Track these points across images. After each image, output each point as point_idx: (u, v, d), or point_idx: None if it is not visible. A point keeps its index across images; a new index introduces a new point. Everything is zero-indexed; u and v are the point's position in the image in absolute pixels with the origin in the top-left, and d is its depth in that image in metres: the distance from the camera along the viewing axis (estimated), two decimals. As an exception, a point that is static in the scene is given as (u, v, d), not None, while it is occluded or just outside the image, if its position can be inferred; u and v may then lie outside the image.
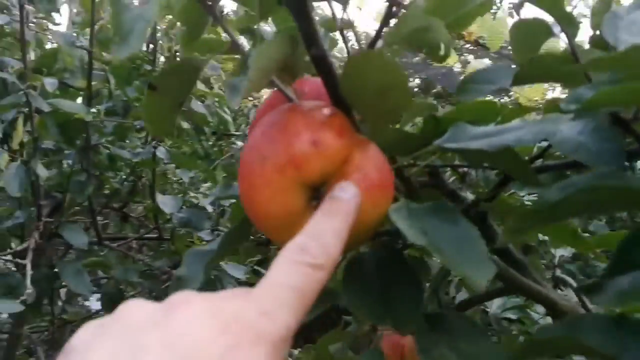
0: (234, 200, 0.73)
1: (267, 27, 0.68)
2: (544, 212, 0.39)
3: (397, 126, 0.61)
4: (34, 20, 1.62)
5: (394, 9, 0.46)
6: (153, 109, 0.59)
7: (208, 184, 1.99)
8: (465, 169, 0.80)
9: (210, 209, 1.42)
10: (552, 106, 0.65)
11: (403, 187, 0.61)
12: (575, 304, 0.66)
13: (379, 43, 0.50)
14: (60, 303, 1.61)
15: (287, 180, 0.43)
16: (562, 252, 1.15)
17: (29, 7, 1.39)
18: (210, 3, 0.54)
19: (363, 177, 0.44)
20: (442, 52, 0.54)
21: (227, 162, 2.25)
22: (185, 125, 1.91)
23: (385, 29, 0.50)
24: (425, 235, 0.44)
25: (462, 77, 0.57)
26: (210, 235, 1.73)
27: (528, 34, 0.61)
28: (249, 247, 0.62)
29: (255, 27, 0.62)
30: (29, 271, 0.96)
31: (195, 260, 0.53)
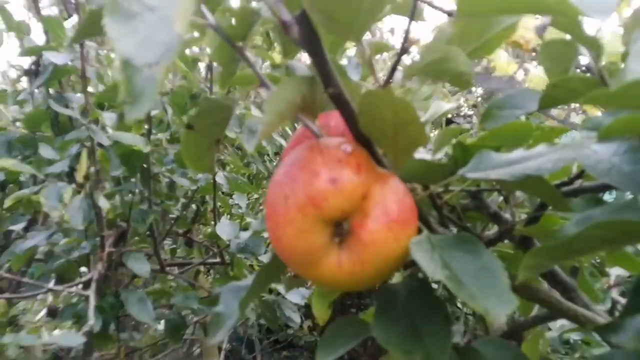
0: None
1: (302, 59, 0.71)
2: (560, 248, 0.40)
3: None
4: (100, 53, 1.73)
5: (406, 44, 0.48)
6: (191, 148, 0.63)
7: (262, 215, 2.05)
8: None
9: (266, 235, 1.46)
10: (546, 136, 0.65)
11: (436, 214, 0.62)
12: None
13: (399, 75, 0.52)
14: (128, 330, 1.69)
15: (308, 218, 0.45)
16: (619, 271, 1.11)
17: (90, 43, 1.50)
18: (240, 44, 0.58)
19: (383, 212, 0.46)
20: (464, 79, 0.55)
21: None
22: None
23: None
24: (447, 268, 0.45)
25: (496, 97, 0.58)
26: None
27: (557, 54, 0.62)
28: (289, 279, 0.65)
29: (287, 61, 0.66)
30: (92, 302, 1.03)
31: (232, 297, 0.57)
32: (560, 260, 0.45)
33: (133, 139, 1.20)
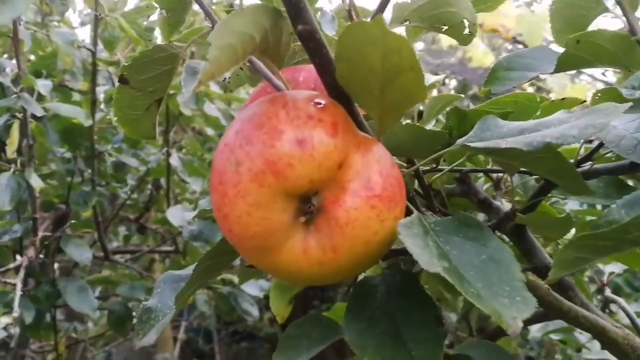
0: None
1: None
2: (608, 237, 0.31)
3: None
4: (49, 21, 1.59)
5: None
6: (126, 107, 0.52)
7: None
8: (501, 174, 0.71)
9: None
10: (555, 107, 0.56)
11: (422, 197, 0.52)
12: (627, 332, 0.55)
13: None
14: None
15: (266, 190, 0.35)
16: (613, 267, 1.03)
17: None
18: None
19: (364, 186, 0.36)
20: (466, 31, 0.45)
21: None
22: (210, 131, 1.85)
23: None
24: (445, 258, 0.35)
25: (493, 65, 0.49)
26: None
27: (574, 10, 0.52)
28: (243, 269, 0.55)
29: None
30: (18, 291, 0.91)
31: (168, 289, 0.46)
32: (608, 253, 0.35)
33: (72, 111, 1.07)
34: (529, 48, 0.50)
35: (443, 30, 0.45)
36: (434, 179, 0.57)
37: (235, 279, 1.45)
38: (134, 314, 1.35)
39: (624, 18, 0.47)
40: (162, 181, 1.78)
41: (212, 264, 0.44)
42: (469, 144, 0.41)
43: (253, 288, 1.43)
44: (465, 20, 0.44)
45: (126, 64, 0.49)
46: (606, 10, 0.49)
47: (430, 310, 0.42)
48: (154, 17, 1.59)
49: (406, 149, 0.43)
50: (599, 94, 0.56)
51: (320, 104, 0.37)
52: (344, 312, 0.71)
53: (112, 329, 1.32)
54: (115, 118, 0.52)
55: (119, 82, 0.50)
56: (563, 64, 0.45)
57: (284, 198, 0.35)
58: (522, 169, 0.54)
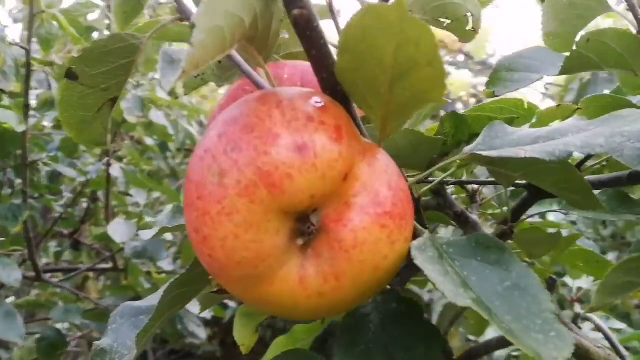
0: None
1: None
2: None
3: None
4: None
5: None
6: (73, 107, 0.45)
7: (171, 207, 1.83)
8: (476, 187, 0.67)
9: (169, 237, 1.26)
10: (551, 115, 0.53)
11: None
12: (608, 354, 0.52)
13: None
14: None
15: (258, 207, 0.29)
16: (581, 283, 1.02)
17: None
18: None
19: (373, 201, 0.31)
20: (469, 27, 0.41)
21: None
22: (150, 141, 1.76)
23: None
24: (467, 287, 0.30)
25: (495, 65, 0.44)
26: (172, 264, 1.57)
27: (571, 9, 0.49)
28: (207, 297, 0.48)
29: None
30: None
31: (127, 324, 0.39)
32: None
33: (2, 115, 0.97)
34: (530, 48, 0.46)
35: (445, 25, 0.40)
36: (421, 193, 0.53)
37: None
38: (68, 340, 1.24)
39: (631, 17, 0.44)
40: (100, 193, 1.67)
41: (180, 293, 0.37)
42: (480, 152, 0.37)
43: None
44: (469, 15, 0.39)
45: (76, 56, 0.43)
46: (608, 9, 0.46)
47: (435, 343, 0.37)
48: (94, 15, 1.50)
49: (404, 157, 0.38)
50: (587, 102, 0.53)
51: (319, 103, 0.31)
52: (305, 335, 0.65)
53: (41, 357, 1.21)
54: (60, 120, 0.45)
55: (66, 77, 0.43)
56: (570, 65, 0.42)
57: (279, 216, 0.29)
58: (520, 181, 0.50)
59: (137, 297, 1.47)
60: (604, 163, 0.60)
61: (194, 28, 0.26)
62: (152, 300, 0.41)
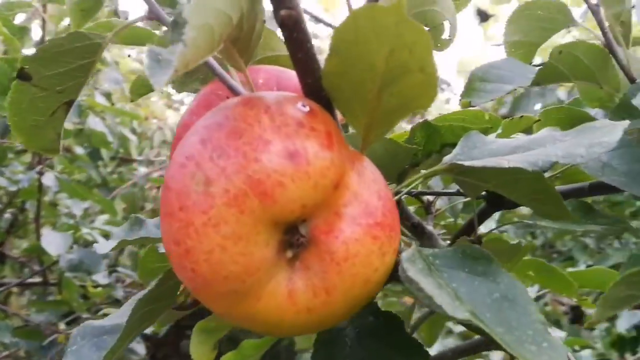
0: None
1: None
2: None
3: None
4: None
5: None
6: (25, 111, 0.42)
7: (105, 217, 1.76)
8: (431, 198, 0.68)
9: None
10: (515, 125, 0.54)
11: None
12: None
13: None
14: None
15: (247, 218, 0.27)
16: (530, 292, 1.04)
17: None
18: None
19: (364, 212, 0.29)
20: (445, 35, 0.41)
21: (128, 191, 2.03)
22: (80, 150, 1.69)
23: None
24: (458, 299, 0.30)
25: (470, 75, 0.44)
26: (107, 277, 1.50)
27: (536, 21, 0.49)
28: (168, 313, 0.46)
29: None
30: None
31: (89, 346, 0.36)
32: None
33: None
34: (501, 59, 0.47)
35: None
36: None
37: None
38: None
39: (596, 31, 0.45)
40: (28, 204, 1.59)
41: (149, 310, 0.35)
42: (461, 162, 0.36)
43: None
44: (446, 23, 0.39)
45: (30, 55, 0.40)
46: (572, 23, 0.47)
47: (416, 356, 0.36)
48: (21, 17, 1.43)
49: (380, 167, 0.37)
50: (546, 113, 0.54)
51: (306, 108, 0.30)
52: (254, 350, 0.64)
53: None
54: (10, 124, 0.42)
55: (17, 78, 0.40)
56: (542, 77, 0.42)
57: (268, 227, 0.28)
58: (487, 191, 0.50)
59: (71, 313, 1.40)
60: (558, 175, 0.61)
61: (185, 25, 0.24)
62: (115, 318, 0.38)
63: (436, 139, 0.44)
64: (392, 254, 0.31)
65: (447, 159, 0.38)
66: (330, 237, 0.29)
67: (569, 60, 0.42)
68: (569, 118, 0.54)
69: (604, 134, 0.36)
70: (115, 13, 1.72)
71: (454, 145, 0.47)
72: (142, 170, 2.23)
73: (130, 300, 0.41)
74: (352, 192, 0.30)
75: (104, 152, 1.81)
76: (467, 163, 0.36)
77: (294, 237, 0.29)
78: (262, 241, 0.28)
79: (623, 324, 1.66)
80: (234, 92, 0.36)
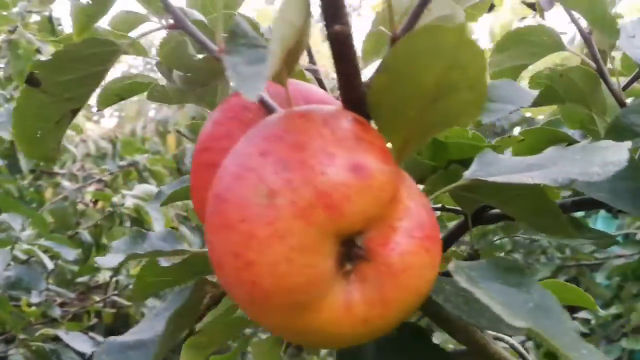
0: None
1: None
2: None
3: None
4: None
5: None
6: (31, 118, 0.40)
7: (28, 232, 1.67)
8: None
9: (50, 265, 1.15)
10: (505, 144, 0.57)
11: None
12: None
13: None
14: None
15: (313, 230, 0.27)
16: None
17: None
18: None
19: (417, 225, 0.30)
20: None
21: (58, 205, 1.94)
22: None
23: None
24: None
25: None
26: (38, 296, 1.43)
27: (524, 47, 0.52)
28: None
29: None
30: None
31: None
32: None
33: None
34: (501, 80, 0.49)
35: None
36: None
37: (60, 333, 1.24)
38: None
39: (584, 56, 0.48)
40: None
41: (180, 322, 0.34)
42: (484, 178, 0.38)
43: (81, 342, 1.24)
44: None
45: (42, 60, 0.38)
46: (562, 48, 0.50)
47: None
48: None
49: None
50: (528, 133, 0.57)
51: (358, 122, 0.31)
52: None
53: None
54: (13, 132, 0.40)
55: (26, 83, 0.38)
56: (542, 99, 0.45)
57: (330, 239, 0.28)
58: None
59: (3, 333, 1.32)
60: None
61: (273, 36, 0.24)
62: (136, 334, 0.37)
63: (443, 155, 0.46)
64: (437, 266, 0.32)
65: (467, 174, 0.39)
66: (387, 249, 0.29)
67: (565, 83, 0.45)
68: (549, 138, 0.57)
69: (613, 153, 0.39)
70: (50, 20, 1.66)
71: (459, 161, 0.49)
72: (67, 184, 2.14)
73: (147, 316, 0.40)
74: (404, 206, 0.30)
75: (23, 164, 1.73)
76: (490, 179, 0.37)
77: (352, 249, 0.29)
78: (325, 253, 0.28)
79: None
80: (266, 105, 0.36)
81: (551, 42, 0.50)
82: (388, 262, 0.29)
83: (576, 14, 0.47)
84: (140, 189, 1.68)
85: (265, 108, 0.36)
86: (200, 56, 0.41)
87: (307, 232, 0.27)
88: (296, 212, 0.27)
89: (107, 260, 0.43)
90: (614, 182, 0.49)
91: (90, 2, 0.42)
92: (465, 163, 0.47)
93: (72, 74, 0.39)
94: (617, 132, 0.45)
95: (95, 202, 1.95)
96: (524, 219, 0.47)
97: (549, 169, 0.38)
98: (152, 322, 0.38)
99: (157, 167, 2.20)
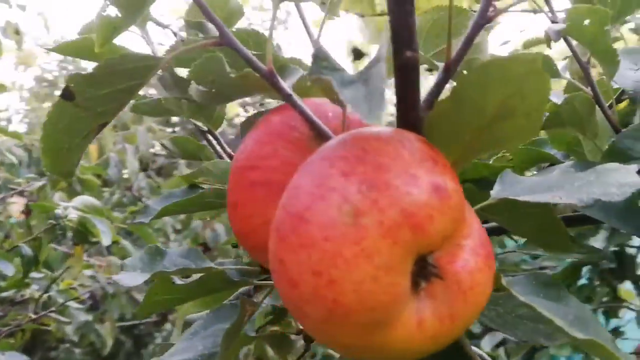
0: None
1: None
2: None
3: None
4: None
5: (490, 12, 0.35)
6: (61, 131, 0.39)
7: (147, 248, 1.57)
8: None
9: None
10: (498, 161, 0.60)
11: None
12: None
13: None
14: None
15: (399, 249, 0.28)
16: None
17: None
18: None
19: (480, 243, 0.32)
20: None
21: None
22: None
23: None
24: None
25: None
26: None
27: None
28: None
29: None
30: None
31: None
32: None
33: None
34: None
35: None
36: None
37: None
38: None
39: (578, 83, 0.52)
40: None
41: (233, 339, 0.34)
42: (513, 197, 0.40)
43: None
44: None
45: (78, 73, 0.37)
46: (558, 75, 0.54)
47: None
48: None
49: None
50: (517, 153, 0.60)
51: (424, 143, 0.32)
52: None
53: None
54: (41, 145, 0.39)
55: (61, 97, 0.37)
56: (549, 122, 0.48)
57: (412, 258, 0.29)
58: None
59: None
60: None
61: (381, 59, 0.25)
62: (181, 354, 0.37)
63: (458, 175, 0.48)
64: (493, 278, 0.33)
65: (495, 194, 0.41)
66: (457, 267, 0.31)
67: (568, 109, 0.48)
68: (536, 157, 0.61)
69: (625, 175, 0.42)
70: (17, 32, 1.61)
71: (473, 181, 0.51)
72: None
73: (185, 336, 0.39)
74: (468, 224, 0.32)
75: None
76: (520, 198, 0.40)
77: (425, 267, 0.30)
78: (406, 271, 0.29)
79: (486, 345, 1.81)
80: (313, 124, 0.37)
81: (548, 69, 0.53)
82: (458, 280, 0.31)
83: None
84: (80, 200, 1.62)
85: (314, 128, 0.37)
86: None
87: (393, 251, 0.28)
88: (383, 231, 0.28)
89: (127, 279, 0.42)
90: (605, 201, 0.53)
91: (119, 14, 0.41)
92: (478, 183, 0.50)
93: (107, 87, 0.38)
94: (614, 155, 0.49)
95: (27, 213, 1.85)
96: (530, 236, 0.49)
97: (571, 190, 0.41)
98: (192, 342, 0.38)
99: (88, 176, 2.12)
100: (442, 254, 0.31)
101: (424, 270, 0.30)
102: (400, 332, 0.30)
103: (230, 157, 0.68)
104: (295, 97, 0.37)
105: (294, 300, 0.31)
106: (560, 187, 0.42)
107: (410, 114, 0.34)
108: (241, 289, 0.49)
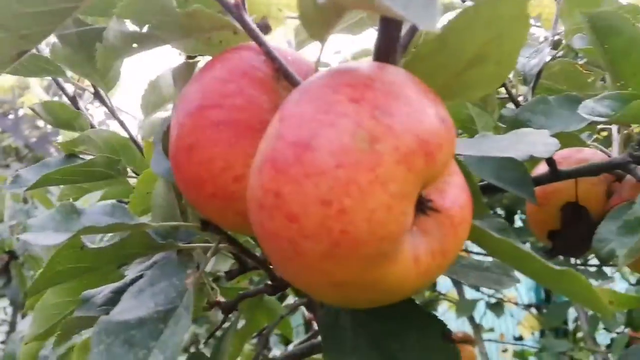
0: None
1: None
2: None
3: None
4: None
5: None
6: None
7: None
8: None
9: None
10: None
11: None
12: None
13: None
14: None
15: (412, 177, 0.28)
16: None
17: None
18: None
19: (462, 181, 0.33)
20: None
21: None
22: None
23: None
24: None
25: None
26: None
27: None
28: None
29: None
30: None
31: (119, 345, 0.30)
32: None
33: None
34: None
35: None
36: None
37: None
38: None
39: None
40: None
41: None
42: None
43: None
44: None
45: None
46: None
47: (429, 327, 0.39)
48: None
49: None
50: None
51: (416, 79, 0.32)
52: None
53: None
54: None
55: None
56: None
57: (419, 188, 0.29)
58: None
59: None
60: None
61: None
62: (131, 312, 0.32)
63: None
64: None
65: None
66: (448, 202, 0.31)
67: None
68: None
69: (545, 137, 0.45)
70: None
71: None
72: None
73: (129, 294, 0.35)
74: (453, 163, 0.32)
75: None
76: (465, 153, 0.41)
77: (422, 202, 0.30)
78: (413, 202, 0.29)
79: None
80: (279, 64, 0.35)
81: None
82: (450, 215, 0.31)
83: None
84: None
85: (279, 69, 0.35)
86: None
87: (407, 178, 0.27)
88: (400, 157, 0.27)
89: (38, 239, 0.36)
90: (499, 171, 0.57)
91: None
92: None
93: (41, 5, 0.33)
94: (517, 126, 0.53)
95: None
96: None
97: (504, 147, 0.44)
98: (139, 300, 0.33)
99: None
100: (434, 189, 0.31)
101: (420, 205, 0.30)
102: (399, 267, 0.29)
103: (122, 123, 0.62)
104: (260, 34, 0.35)
105: (288, 237, 0.28)
106: (491, 147, 0.45)
107: (384, 52, 0.34)
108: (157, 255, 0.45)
